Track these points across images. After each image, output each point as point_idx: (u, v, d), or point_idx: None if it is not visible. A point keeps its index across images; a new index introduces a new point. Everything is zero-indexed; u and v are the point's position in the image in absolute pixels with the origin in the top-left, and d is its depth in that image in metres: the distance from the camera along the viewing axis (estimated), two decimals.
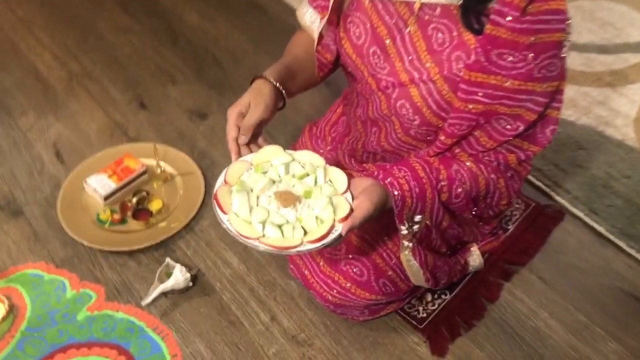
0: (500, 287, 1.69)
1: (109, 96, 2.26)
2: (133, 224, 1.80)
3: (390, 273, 1.45)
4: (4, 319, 1.59)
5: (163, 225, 1.80)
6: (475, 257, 1.68)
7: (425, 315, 1.62)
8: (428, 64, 1.19)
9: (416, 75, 1.20)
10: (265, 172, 1.19)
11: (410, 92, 1.22)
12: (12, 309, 1.62)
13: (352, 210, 1.12)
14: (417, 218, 1.34)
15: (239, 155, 1.21)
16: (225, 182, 1.17)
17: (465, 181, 1.28)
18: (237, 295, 1.66)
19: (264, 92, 1.22)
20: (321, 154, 1.48)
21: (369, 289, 1.45)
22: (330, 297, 1.48)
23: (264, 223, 1.10)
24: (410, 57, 1.21)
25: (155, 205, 1.83)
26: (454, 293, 1.67)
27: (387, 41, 1.24)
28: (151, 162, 1.93)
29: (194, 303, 1.64)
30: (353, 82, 1.40)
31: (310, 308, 1.64)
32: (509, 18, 1.05)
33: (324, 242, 1.08)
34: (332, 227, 1.10)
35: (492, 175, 1.29)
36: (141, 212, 1.82)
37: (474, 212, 1.40)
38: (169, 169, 1.96)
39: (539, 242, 1.79)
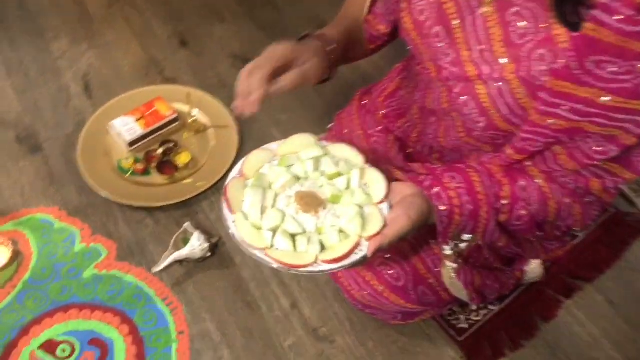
0: (558, 305, 1.46)
1: (149, 29, 2.05)
2: (156, 177, 1.64)
3: (431, 281, 1.24)
4: (7, 265, 1.47)
5: (188, 182, 1.63)
6: (534, 267, 1.45)
7: (466, 326, 1.43)
8: (502, 59, 0.92)
9: (486, 70, 0.94)
10: (290, 167, 0.98)
11: (477, 90, 0.97)
12: (17, 256, 1.50)
13: (385, 224, 0.91)
14: (466, 237, 1.12)
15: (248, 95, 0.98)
16: (242, 174, 0.97)
17: (532, 203, 1.03)
18: (258, 273, 1.49)
19: (311, 51, 1.00)
20: (368, 137, 1.25)
21: (405, 296, 1.24)
22: (358, 297, 1.28)
23: (275, 231, 0.91)
24: (481, 47, 0.95)
25: (182, 159, 1.65)
26: (503, 304, 1.46)
27: (455, 22, 0.97)
28: (184, 109, 1.74)
29: (210, 275, 1.48)
30: (413, 60, 1.15)
31: (337, 299, 1.45)
32: (619, 17, 0.77)
33: (342, 263, 0.89)
34: (357, 245, 0.90)
35: (567, 200, 1.03)
36: (166, 165, 1.65)
37: (537, 234, 1.16)
38: (202, 118, 1.76)
39: (612, 256, 1.54)
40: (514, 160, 1.00)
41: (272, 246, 0.90)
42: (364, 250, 0.89)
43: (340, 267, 0.89)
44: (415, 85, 1.16)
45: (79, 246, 1.52)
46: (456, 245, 1.14)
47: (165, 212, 1.59)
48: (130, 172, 1.64)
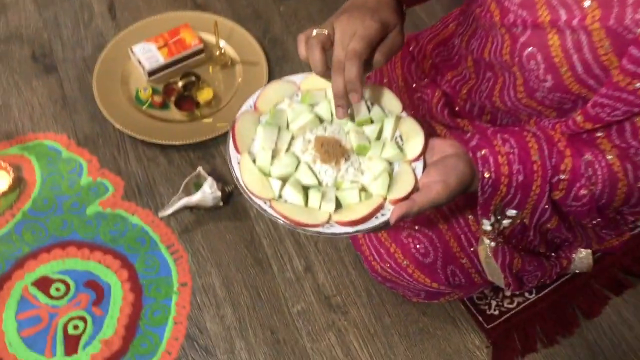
0: (605, 301, 1.30)
1: None
2: (174, 113, 1.50)
3: (464, 261, 1.09)
4: (7, 191, 1.37)
5: (208, 122, 1.48)
6: (583, 256, 1.27)
7: (497, 312, 1.28)
8: (587, 2, 0.74)
9: (564, 15, 0.76)
10: (313, 105, 0.83)
11: (548, 40, 0.79)
12: (19, 183, 1.40)
13: (416, 187, 0.77)
14: (510, 213, 0.94)
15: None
16: (256, 107, 0.82)
17: (596, 182, 0.86)
18: (273, 229, 1.36)
19: (392, 14, 0.82)
20: (411, 91, 1.08)
21: (432, 275, 1.10)
22: (379, 269, 1.15)
23: (285, 180, 0.76)
24: None
25: (204, 95, 1.51)
26: (541, 293, 1.30)
27: None
28: (212, 39, 1.58)
29: (221, 226, 1.36)
30: (472, 1, 0.96)
31: (356, 267, 1.32)
32: None
33: (359, 227, 0.74)
34: (379, 207, 0.75)
35: None
36: (186, 100, 1.50)
37: (594, 222, 0.98)
38: (231, 52, 1.60)
39: None
40: (583, 129, 0.83)
41: (280, 197, 0.76)
42: (387, 214, 0.75)
43: (355, 232, 0.75)
44: (472, 32, 0.98)
45: (85, 179, 1.41)
46: (497, 221, 0.97)
47: (180, 151, 1.46)
48: (148, 104, 1.51)
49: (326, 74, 0.78)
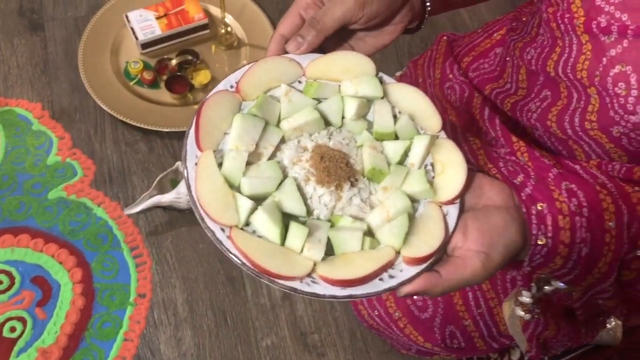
0: None
1: None
2: (164, 94, 1.32)
3: (467, 323, 0.90)
4: None
5: None
6: (612, 327, 1.06)
7: None
8: None
9: None
10: (319, 101, 0.61)
11: None
12: None
13: (445, 240, 0.56)
14: (558, 285, 0.73)
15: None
16: (238, 89, 0.60)
17: None
18: None
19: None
20: (445, 80, 0.87)
21: (427, 333, 0.92)
22: (366, 316, 0.96)
23: (259, 200, 0.54)
24: None
25: (200, 77, 1.32)
26: None
27: None
28: (219, 15, 1.39)
29: (194, 233, 1.18)
30: (540, 1, 0.75)
31: (342, 304, 1.13)
32: None
33: (352, 292, 0.52)
34: (388, 265, 0.54)
35: None
36: (178, 81, 1.32)
37: None
38: (239, 31, 1.41)
39: None
40: None
41: (246, 225, 0.54)
42: (397, 277, 0.53)
43: (346, 297, 0.53)
44: (532, 38, 0.76)
45: (52, 158, 1.24)
46: (539, 290, 0.76)
47: (164, 139, 1.28)
48: (137, 80, 1.33)
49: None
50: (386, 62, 1.40)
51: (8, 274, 1.12)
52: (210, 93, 0.58)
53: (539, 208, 0.59)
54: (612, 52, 0.59)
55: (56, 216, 1.18)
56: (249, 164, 0.56)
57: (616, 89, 0.60)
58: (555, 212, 0.59)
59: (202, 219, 0.52)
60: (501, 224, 0.58)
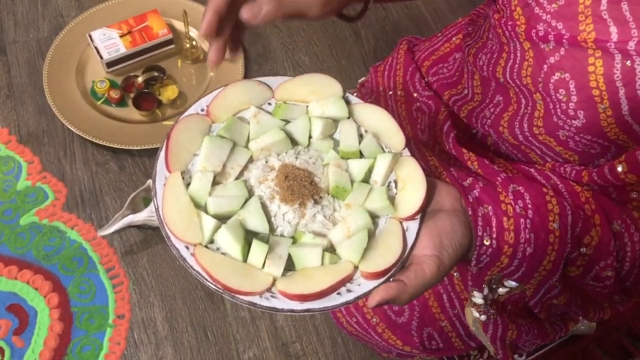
0: None
1: None
2: (132, 112, 1.31)
3: (444, 324, 0.91)
4: None
5: (169, 125, 1.29)
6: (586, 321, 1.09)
7: None
8: None
9: (615, 34, 0.57)
10: (287, 122, 0.63)
11: (588, 66, 0.60)
12: None
13: (402, 258, 0.57)
14: (510, 284, 0.75)
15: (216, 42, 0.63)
16: (209, 112, 0.62)
17: (624, 260, 0.69)
18: None
19: None
20: (411, 101, 0.89)
21: (405, 337, 0.93)
22: (345, 323, 0.97)
23: (223, 219, 0.56)
24: None
25: (168, 93, 1.32)
26: (532, 357, 1.11)
27: None
28: (183, 29, 1.39)
29: (169, 251, 1.15)
30: (490, 4, 0.76)
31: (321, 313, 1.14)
32: None
33: (310, 305, 0.54)
34: (347, 279, 0.55)
35: None
36: (146, 98, 1.32)
37: (617, 301, 0.80)
38: (204, 45, 1.41)
39: None
40: (622, 183, 0.63)
41: (212, 242, 0.56)
42: (355, 292, 0.55)
43: (304, 311, 0.54)
44: (482, 44, 0.78)
45: (22, 183, 1.23)
46: (492, 291, 0.78)
47: (134, 157, 1.28)
48: (104, 99, 1.32)
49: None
50: (352, 67, 1.41)
51: None
52: (182, 116, 0.61)
53: (485, 210, 0.61)
54: (552, 60, 0.61)
55: (29, 242, 1.17)
56: (217, 183, 0.58)
57: (558, 95, 0.61)
58: (500, 214, 0.61)
59: (168, 237, 0.55)
60: (449, 228, 0.60)
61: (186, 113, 0.61)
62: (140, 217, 1.13)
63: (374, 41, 1.45)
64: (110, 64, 1.34)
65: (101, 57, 1.32)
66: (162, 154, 0.58)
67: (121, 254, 1.17)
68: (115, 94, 1.31)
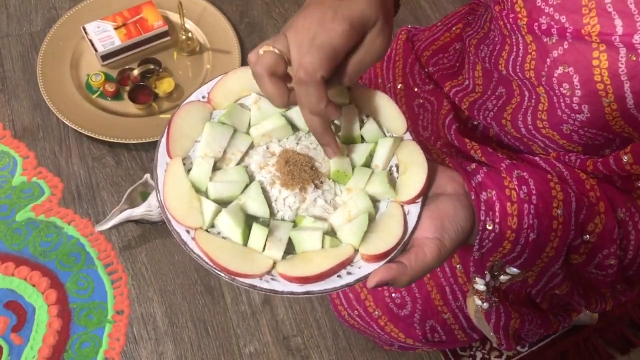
0: None
1: None
2: (128, 105, 1.30)
3: (447, 316, 0.90)
4: None
5: (166, 118, 1.28)
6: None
7: None
8: None
9: (620, 27, 0.57)
10: (288, 108, 0.62)
11: (593, 59, 0.59)
12: None
13: (402, 241, 0.56)
14: (512, 271, 0.75)
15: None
16: (209, 99, 0.62)
17: (627, 248, 0.69)
18: None
19: (374, 15, 0.56)
20: (411, 96, 0.88)
21: (408, 329, 0.92)
22: (346, 316, 0.96)
23: (223, 203, 0.56)
24: None
25: (164, 86, 1.30)
26: (535, 348, 1.12)
27: None
28: (179, 20, 1.37)
29: (169, 244, 1.17)
30: None
31: (322, 303, 1.14)
32: None
33: (310, 287, 0.54)
34: (347, 262, 0.55)
35: None
36: (142, 91, 1.30)
37: (619, 290, 0.79)
38: (200, 36, 1.40)
39: None
40: (627, 174, 0.62)
41: (212, 227, 0.56)
42: (355, 274, 0.55)
43: (304, 293, 0.54)
44: (484, 34, 0.77)
45: (18, 178, 1.22)
46: (493, 278, 0.78)
47: (131, 151, 1.26)
48: (99, 92, 1.31)
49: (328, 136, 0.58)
50: None
51: None
52: (183, 103, 0.61)
53: (488, 195, 0.60)
54: (555, 54, 0.60)
55: (26, 238, 1.16)
56: (217, 169, 0.58)
57: (561, 89, 0.60)
58: (503, 199, 0.60)
59: (169, 221, 0.55)
60: (451, 211, 0.59)
61: (187, 100, 0.61)
62: (138, 211, 1.12)
63: None
64: (105, 57, 1.32)
65: (96, 50, 1.31)
66: (163, 140, 0.58)
67: (119, 249, 1.16)
68: (110, 87, 1.29)
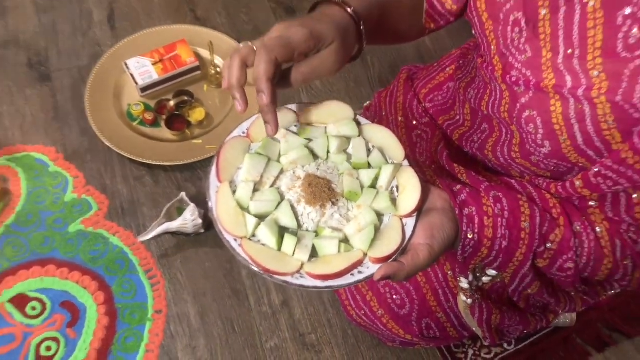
0: (586, 358, 1.26)
1: None
2: (165, 132, 1.48)
3: (440, 315, 1.06)
4: None
5: (198, 143, 1.47)
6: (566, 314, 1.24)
7: None
8: (596, 72, 0.69)
9: (569, 82, 0.71)
10: (310, 140, 0.78)
11: (550, 106, 0.74)
12: (5, 195, 1.39)
13: (402, 247, 0.72)
14: (491, 272, 0.93)
15: (244, 104, 0.72)
16: (248, 134, 0.77)
17: (582, 254, 0.82)
18: None
19: (329, 18, 0.74)
20: (410, 128, 1.05)
21: (406, 326, 1.08)
22: (355, 315, 1.12)
23: (262, 217, 0.72)
24: (570, 51, 0.71)
25: (196, 115, 1.49)
26: (520, 346, 1.27)
27: (543, 12, 0.73)
28: (209, 56, 1.55)
29: (201, 253, 1.34)
30: (475, 49, 0.92)
31: (334, 306, 1.30)
32: None
33: (330, 283, 0.70)
34: (358, 263, 0.71)
35: (627, 263, 0.82)
36: (177, 119, 1.48)
37: (579, 290, 0.95)
38: None
39: None
40: (580, 195, 0.78)
41: (253, 237, 0.71)
42: (365, 272, 0.70)
43: (326, 287, 0.70)
44: (471, 79, 0.94)
45: (69, 196, 1.40)
46: (476, 278, 0.95)
47: (167, 172, 1.44)
48: (139, 120, 1.49)
49: (239, 92, 0.70)
50: (359, 89, 1.57)
51: (40, 300, 1.28)
52: (228, 138, 0.76)
53: (468, 211, 0.77)
54: (523, 100, 0.76)
55: (77, 247, 1.34)
56: (256, 190, 0.73)
57: (528, 128, 0.77)
58: (482, 214, 0.76)
59: (221, 232, 0.70)
60: (439, 223, 0.75)
61: (231, 135, 0.77)
62: (175, 224, 1.30)
63: (379, 65, 1.62)
64: (144, 89, 1.51)
65: (136, 83, 1.49)
66: (213, 168, 0.73)
67: (158, 257, 1.33)
68: (149, 116, 1.48)
